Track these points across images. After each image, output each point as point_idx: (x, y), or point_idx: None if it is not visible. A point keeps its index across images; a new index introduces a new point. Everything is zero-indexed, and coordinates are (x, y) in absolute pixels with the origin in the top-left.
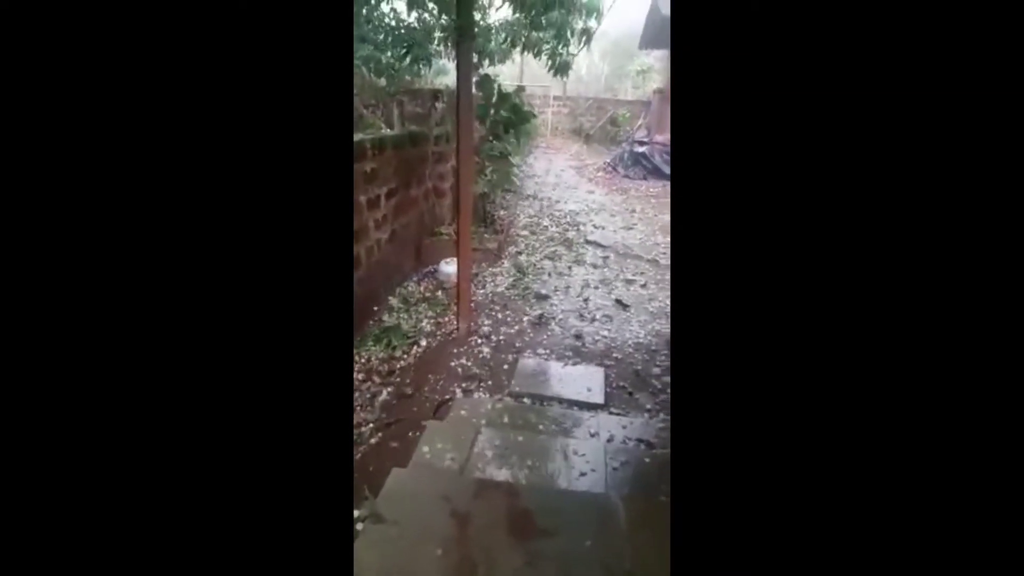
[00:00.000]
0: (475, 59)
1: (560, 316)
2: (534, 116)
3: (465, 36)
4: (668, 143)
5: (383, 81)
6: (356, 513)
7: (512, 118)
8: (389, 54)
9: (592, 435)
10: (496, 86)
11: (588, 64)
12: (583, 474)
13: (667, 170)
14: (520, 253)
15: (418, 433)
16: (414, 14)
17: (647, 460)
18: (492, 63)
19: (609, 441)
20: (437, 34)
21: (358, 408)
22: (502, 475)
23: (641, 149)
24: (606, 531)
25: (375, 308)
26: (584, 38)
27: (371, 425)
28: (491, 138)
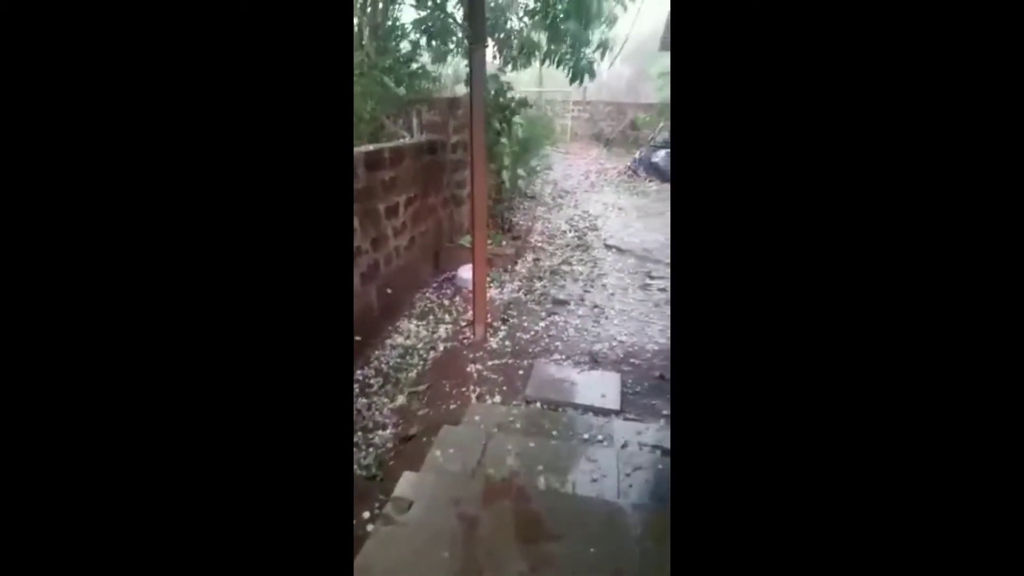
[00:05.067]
0: (498, 63)
1: (577, 321)
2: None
3: (477, 43)
4: None
5: (403, 90)
6: (366, 515)
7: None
8: (408, 42)
9: (605, 441)
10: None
11: (609, 67)
12: (594, 480)
13: None
14: (538, 259)
15: (432, 438)
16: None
17: (660, 467)
18: (515, 68)
19: (623, 447)
20: (456, 35)
21: (374, 413)
22: (512, 480)
23: (662, 152)
24: (614, 538)
25: (394, 314)
26: (602, 49)
27: (388, 431)
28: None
